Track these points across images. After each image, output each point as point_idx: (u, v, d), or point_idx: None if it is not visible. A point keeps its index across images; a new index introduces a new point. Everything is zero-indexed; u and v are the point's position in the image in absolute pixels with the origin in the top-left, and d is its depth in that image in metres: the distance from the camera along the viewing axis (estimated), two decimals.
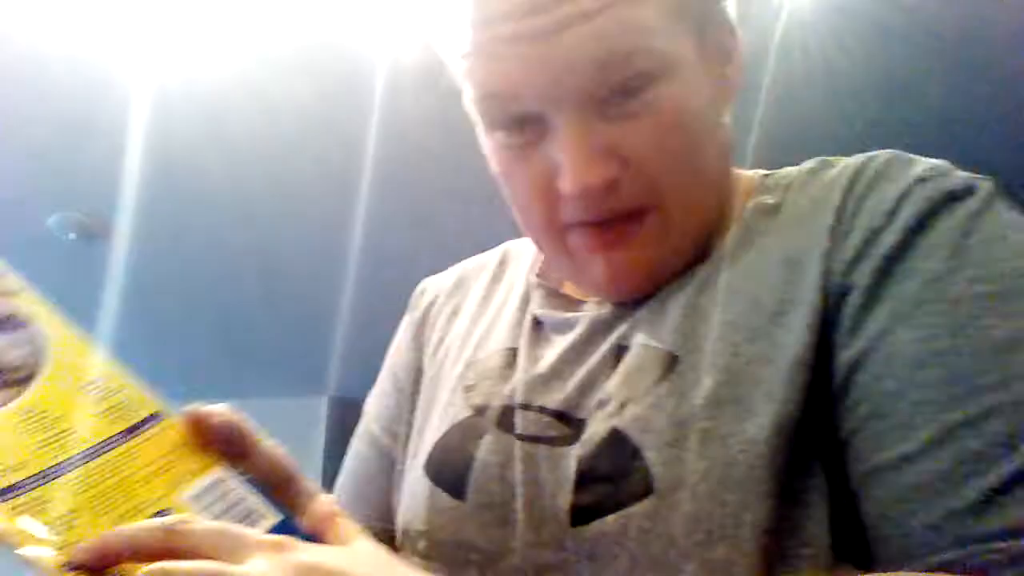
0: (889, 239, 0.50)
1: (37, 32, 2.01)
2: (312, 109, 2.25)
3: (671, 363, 0.53)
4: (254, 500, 0.43)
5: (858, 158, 0.56)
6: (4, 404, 0.40)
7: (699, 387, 0.51)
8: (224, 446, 0.46)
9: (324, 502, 0.46)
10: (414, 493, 0.59)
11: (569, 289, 0.65)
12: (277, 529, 0.42)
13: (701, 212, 0.57)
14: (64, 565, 0.38)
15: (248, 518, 0.42)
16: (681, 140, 0.54)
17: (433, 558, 0.55)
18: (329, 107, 2.23)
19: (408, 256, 2.87)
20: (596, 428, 0.53)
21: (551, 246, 0.59)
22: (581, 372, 0.57)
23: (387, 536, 0.62)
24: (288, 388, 3.56)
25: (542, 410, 0.56)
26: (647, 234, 0.56)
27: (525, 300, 0.66)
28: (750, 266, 0.55)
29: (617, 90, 0.52)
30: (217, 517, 0.41)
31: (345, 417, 3.78)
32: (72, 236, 2.67)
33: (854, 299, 0.49)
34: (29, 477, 0.39)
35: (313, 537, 0.42)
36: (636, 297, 0.58)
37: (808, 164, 0.60)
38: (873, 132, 2.37)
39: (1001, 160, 2.49)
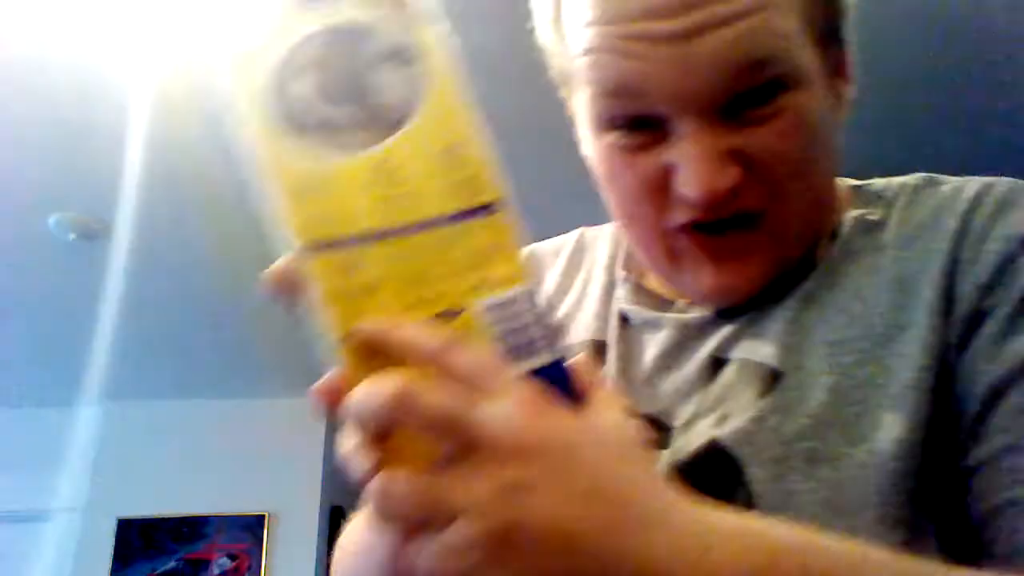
0: None
1: (37, 32, 2.01)
2: None
3: (774, 379, 0.52)
4: (537, 332, 0.39)
5: (974, 183, 0.56)
6: (362, 147, 0.38)
7: (804, 405, 0.50)
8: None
9: (591, 365, 0.43)
10: None
11: (654, 285, 0.64)
12: (547, 369, 0.39)
13: (814, 223, 0.57)
14: (347, 336, 0.37)
15: (523, 349, 0.39)
16: (803, 148, 0.54)
17: None
18: None
19: None
20: (691, 438, 0.52)
21: (656, 249, 0.58)
22: (675, 378, 0.57)
23: None
24: (288, 388, 3.56)
25: (637, 416, 0.55)
26: (759, 245, 0.55)
27: (608, 292, 0.65)
28: (856, 285, 0.55)
29: (747, 95, 0.51)
30: (500, 336, 0.38)
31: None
32: (72, 236, 2.67)
33: (992, 326, 0.49)
34: (352, 235, 0.37)
35: (573, 392, 0.39)
36: (740, 303, 0.57)
37: (911, 180, 0.60)
38: (873, 131, 2.37)
39: (1001, 160, 2.49)
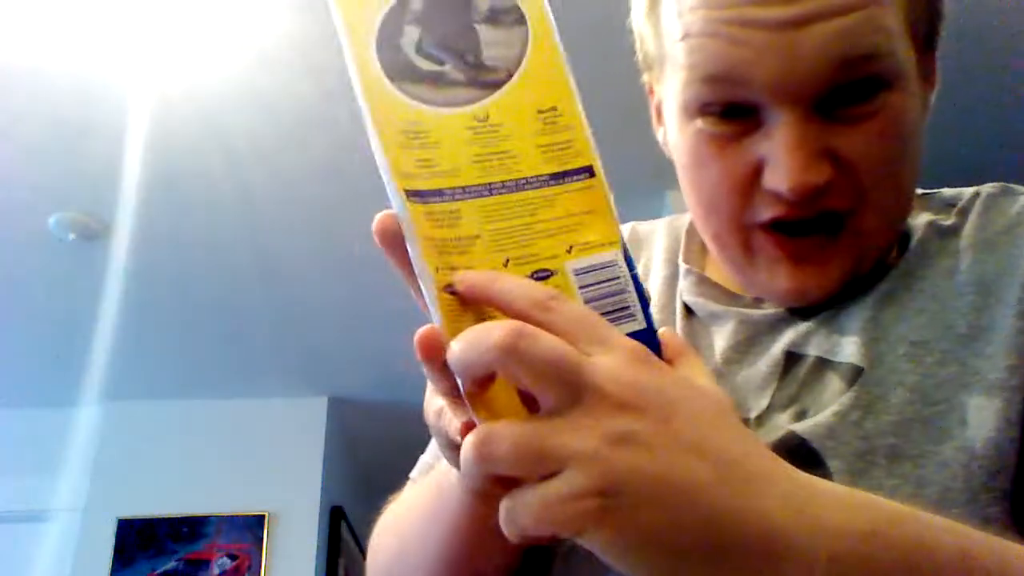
0: None
1: (37, 32, 2.01)
2: (312, 109, 2.25)
3: (855, 375, 0.52)
4: (631, 297, 0.40)
5: None
6: (467, 102, 0.38)
7: (886, 402, 0.50)
8: None
9: (678, 337, 0.44)
10: None
11: (718, 277, 0.63)
12: (638, 335, 0.39)
13: (896, 227, 0.57)
14: (445, 287, 0.37)
15: (617, 313, 0.39)
16: (896, 151, 0.53)
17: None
18: (329, 107, 2.23)
19: None
20: (767, 431, 0.52)
21: (733, 244, 0.57)
22: (746, 372, 0.56)
23: None
24: (288, 388, 3.56)
25: None
26: (839, 249, 0.55)
27: (670, 284, 0.65)
28: (934, 288, 0.55)
29: (847, 90, 0.51)
30: (590, 300, 0.39)
31: (345, 417, 3.78)
32: (72, 236, 2.67)
33: None
34: (454, 188, 0.37)
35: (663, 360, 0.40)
36: (816, 303, 0.57)
37: (987, 188, 0.60)
38: None
39: (1000, 160, 2.49)
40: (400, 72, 0.38)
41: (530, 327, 0.35)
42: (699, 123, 0.54)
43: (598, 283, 0.39)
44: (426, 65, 0.38)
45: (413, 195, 0.37)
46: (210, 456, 3.51)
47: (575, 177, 0.39)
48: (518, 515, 0.34)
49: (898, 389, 0.51)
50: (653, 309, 0.63)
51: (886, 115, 0.52)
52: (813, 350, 0.55)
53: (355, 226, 2.77)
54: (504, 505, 0.35)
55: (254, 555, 3.44)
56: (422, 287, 0.37)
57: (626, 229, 0.74)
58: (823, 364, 0.54)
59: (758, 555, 0.35)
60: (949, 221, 0.58)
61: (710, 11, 0.51)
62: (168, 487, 3.47)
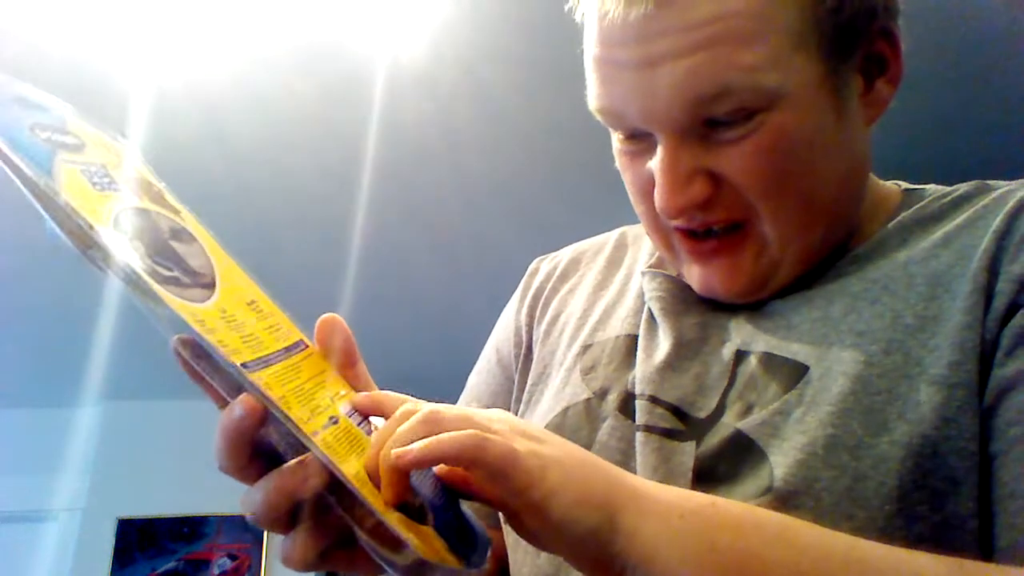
0: None
1: (37, 30, 2.01)
2: (312, 109, 2.25)
3: (801, 373, 0.53)
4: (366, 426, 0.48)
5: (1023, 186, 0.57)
6: (203, 300, 0.44)
7: (828, 393, 0.51)
8: (343, 356, 0.51)
9: None
10: None
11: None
12: None
13: (806, 231, 0.57)
14: (330, 418, 0.44)
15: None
16: (781, 164, 0.54)
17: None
18: (329, 107, 2.23)
19: (408, 256, 2.88)
20: (717, 428, 0.54)
21: (658, 240, 0.62)
22: (698, 370, 0.58)
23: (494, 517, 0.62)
24: None
25: (657, 401, 0.57)
26: (746, 245, 0.57)
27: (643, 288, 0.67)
28: (888, 278, 0.55)
29: (714, 120, 0.53)
30: (365, 431, 0.47)
31: None
32: None
33: (1019, 319, 0.50)
34: (248, 362, 0.43)
35: None
36: (746, 300, 0.59)
37: (964, 186, 0.61)
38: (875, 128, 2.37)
39: (998, 161, 2.50)
40: (155, 276, 0.43)
41: (435, 438, 0.43)
42: (615, 139, 0.60)
43: (361, 422, 0.47)
44: (164, 271, 0.43)
45: (244, 366, 0.42)
46: (210, 456, 3.49)
47: (297, 349, 0.47)
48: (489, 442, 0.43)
49: (840, 379, 0.51)
50: (627, 312, 0.66)
51: (765, 134, 0.53)
52: (761, 346, 0.56)
53: (355, 225, 2.78)
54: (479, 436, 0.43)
55: (254, 555, 3.45)
56: (297, 433, 0.42)
57: (615, 233, 0.76)
58: (771, 360, 0.55)
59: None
60: (919, 217, 0.59)
61: (596, 49, 0.56)
62: (168, 487, 3.48)
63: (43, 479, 3.55)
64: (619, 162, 0.60)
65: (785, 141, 0.54)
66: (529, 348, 0.71)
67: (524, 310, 0.74)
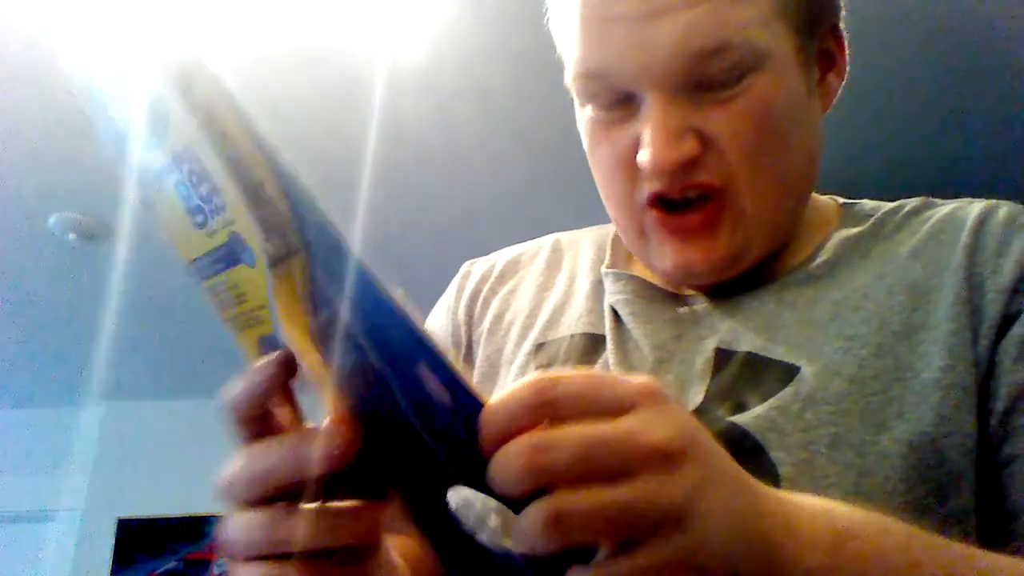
0: None
1: (37, 31, 2.01)
2: (312, 109, 2.25)
3: (792, 373, 0.54)
4: None
5: (976, 203, 0.60)
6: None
7: (825, 392, 0.52)
8: None
9: None
10: None
11: (642, 273, 0.65)
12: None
13: (778, 206, 0.58)
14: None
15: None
16: (766, 129, 0.56)
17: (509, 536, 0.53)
18: (329, 107, 2.23)
19: (407, 256, 2.88)
20: (706, 421, 0.52)
21: (628, 227, 0.61)
22: (680, 369, 0.57)
23: None
24: None
25: None
26: (719, 222, 0.57)
27: (596, 290, 0.67)
28: (867, 287, 0.57)
29: (708, 79, 0.54)
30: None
31: None
32: (72, 236, 2.67)
33: (1019, 327, 0.52)
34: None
35: None
36: (711, 284, 0.59)
37: (909, 201, 0.63)
38: (869, 134, 2.37)
39: (996, 163, 2.49)
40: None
41: (553, 433, 0.33)
42: (589, 110, 0.59)
43: None
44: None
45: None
46: (210, 456, 3.47)
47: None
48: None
49: (836, 379, 0.52)
50: (581, 312, 0.65)
51: (753, 95, 0.55)
52: (746, 346, 0.56)
53: (355, 225, 2.77)
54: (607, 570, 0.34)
55: None
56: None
57: (549, 240, 0.76)
58: (757, 360, 0.55)
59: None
60: (865, 229, 0.61)
61: (585, 8, 0.55)
62: (168, 487, 3.47)
63: (43, 479, 3.54)
64: (591, 136, 0.59)
65: (769, 105, 0.55)
66: (469, 347, 0.71)
67: (461, 309, 0.73)
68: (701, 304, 0.60)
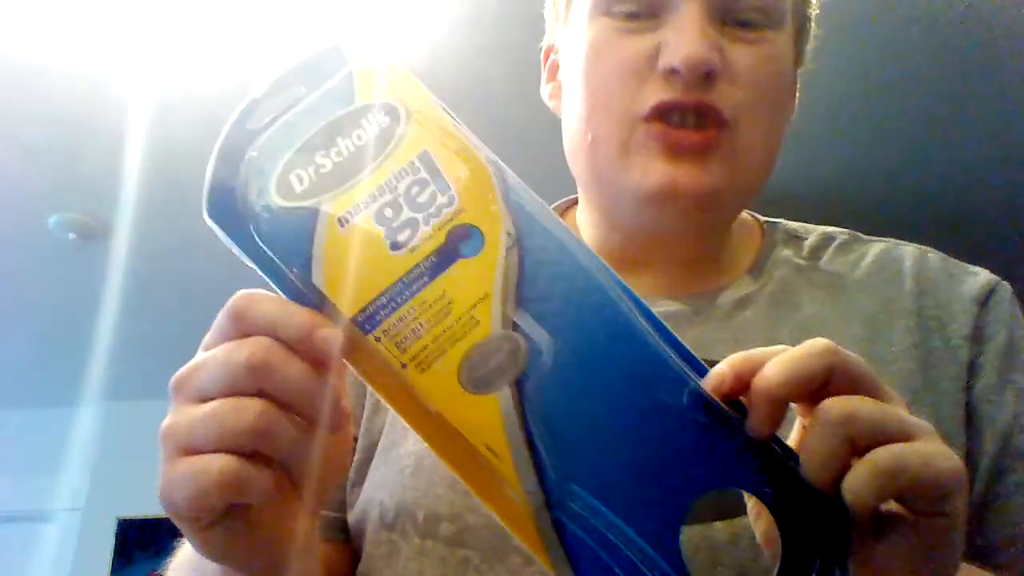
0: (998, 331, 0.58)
1: (37, 32, 2.01)
2: None
3: None
4: None
5: (908, 248, 0.63)
6: None
7: (793, 415, 0.52)
8: None
9: None
10: (428, 472, 0.55)
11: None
12: None
13: (762, 165, 0.59)
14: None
15: None
16: (774, 84, 0.58)
17: (465, 543, 0.52)
18: None
19: None
20: None
21: (612, 141, 0.57)
22: None
23: (340, 523, 0.60)
24: None
25: None
26: (717, 153, 0.56)
27: None
28: (822, 315, 0.58)
29: (740, 14, 0.56)
30: None
31: None
32: (72, 236, 2.67)
33: (988, 376, 0.56)
34: None
35: None
36: (698, 210, 0.57)
37: (840, 233, 0.65)
38: (866, 135, 2.37)
39: (993, 164, 2.49)
40: None
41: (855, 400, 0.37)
42: (604, 20, 0.58)
43: None
44: None
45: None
46: None
47: None
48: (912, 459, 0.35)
49: None
50: None
51: (770, 47, 0.57)
52: (715, 357, 0.56)
53: None
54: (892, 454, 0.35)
55: None
56: None
57: None
58: None
59: None
60: (802, 253, 0.63)
61: None
62: None
63: (43, 479, 3.55)
64: (597, 47, 0.58)
65: (781, 63, 0.58)
66: None
67: None
68: (665, 307, 0.59)
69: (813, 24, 0.64)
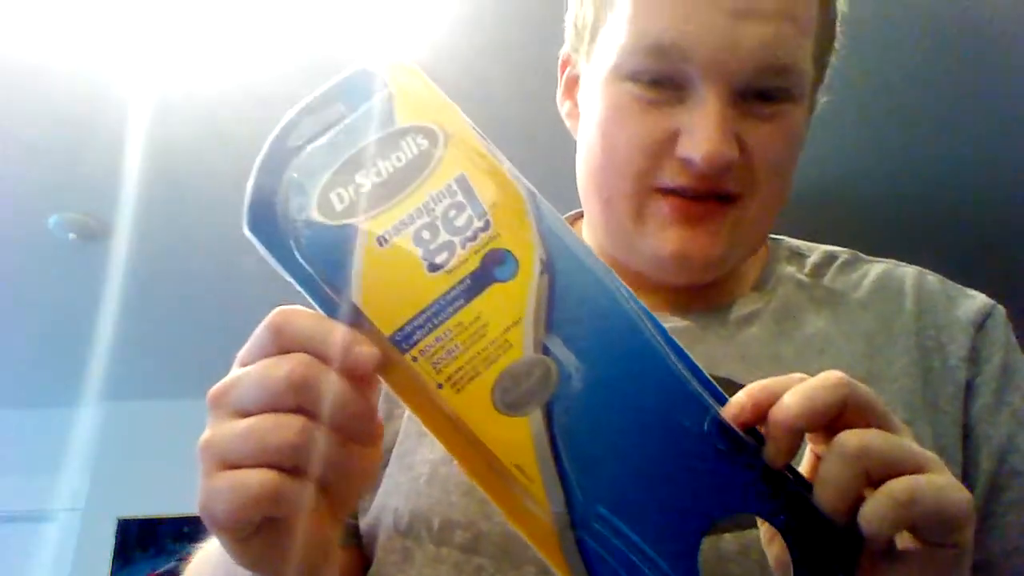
0: (992, 352, 0.60)
1: (38, 32, 2.01)
2: None
3: None
4: None
5: (908, 270, 0.65)
6: None
7: None
8: None
9: None
10: (443, 480, 0.55)
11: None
12: None
13: (768, 223, 0.61)
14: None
15: None
16: (786, 155, 0.58)
17: (480, 551, 0.52)
18: None
19: None
20: None
21: (627, 206, 0.59)
22: None
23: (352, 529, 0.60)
24: None
25: None
26: (728, 216, 0.57)
27: None
28: (826, 332, 0.60)
29: (762, 91, 0.56)
30: None
31: None
32: (72, 236, 2.67)
33: (985, 396, 0.58)
34: None
35: None
36: (705, 275, 0.59)
37: (842, 253, 0.67)
38: (864, 137, 2.37)
39: (991, 166, 2.49)
40: None
41: (878, 435, 0.38)
42: (628, 85, 0.57)
43: None
44: None
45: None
46: None
47: None
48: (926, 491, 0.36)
49: None
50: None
51: (787, 120, 0.57)
52: (722, 372, 0.57)
53: None
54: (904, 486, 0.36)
55: None
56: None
57: None
58: (735, 387, 0.56)
59: None
60: (805, 270, 0.65)
61: None
62: (168, 487, 3.46)
63: (43, 479, 3.54)
64: (620, 111, 0.58)
65: (795, 133, 0.58)
66: None
67: None
68: (673, 323, 0.60)
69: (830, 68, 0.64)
